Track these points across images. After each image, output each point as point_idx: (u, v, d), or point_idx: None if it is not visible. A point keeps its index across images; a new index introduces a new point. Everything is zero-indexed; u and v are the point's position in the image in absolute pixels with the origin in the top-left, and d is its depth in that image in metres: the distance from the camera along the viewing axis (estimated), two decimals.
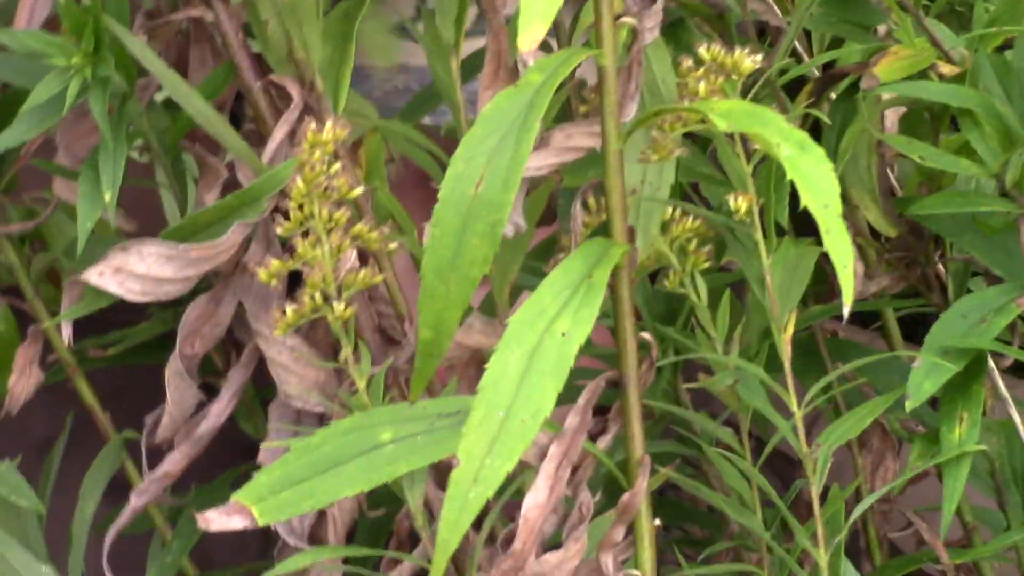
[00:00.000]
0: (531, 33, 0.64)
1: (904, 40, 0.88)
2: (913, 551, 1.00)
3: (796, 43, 0.98)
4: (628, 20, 0.78)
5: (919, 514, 0.97)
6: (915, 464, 0.89)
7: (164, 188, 0.94)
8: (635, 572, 0.78)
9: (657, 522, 0.78)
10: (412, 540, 0.85)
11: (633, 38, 0.78)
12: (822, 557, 0.84)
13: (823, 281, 0.92)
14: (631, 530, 0.78)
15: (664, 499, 0.84)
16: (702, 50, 0.80)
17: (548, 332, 0.69)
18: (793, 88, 0.95)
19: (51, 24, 0.88)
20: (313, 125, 0.80)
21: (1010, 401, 0.97)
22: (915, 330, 0.98)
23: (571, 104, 0.89)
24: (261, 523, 0.73)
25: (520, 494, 0.76)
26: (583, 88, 0.87)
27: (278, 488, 0.74)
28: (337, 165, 0.79)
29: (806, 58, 0.96)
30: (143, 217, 0.94)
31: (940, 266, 0.96)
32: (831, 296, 0.95)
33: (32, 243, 0.96)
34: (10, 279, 0.95)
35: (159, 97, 0.92)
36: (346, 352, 0.81)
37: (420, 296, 0.70)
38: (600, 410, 0.79)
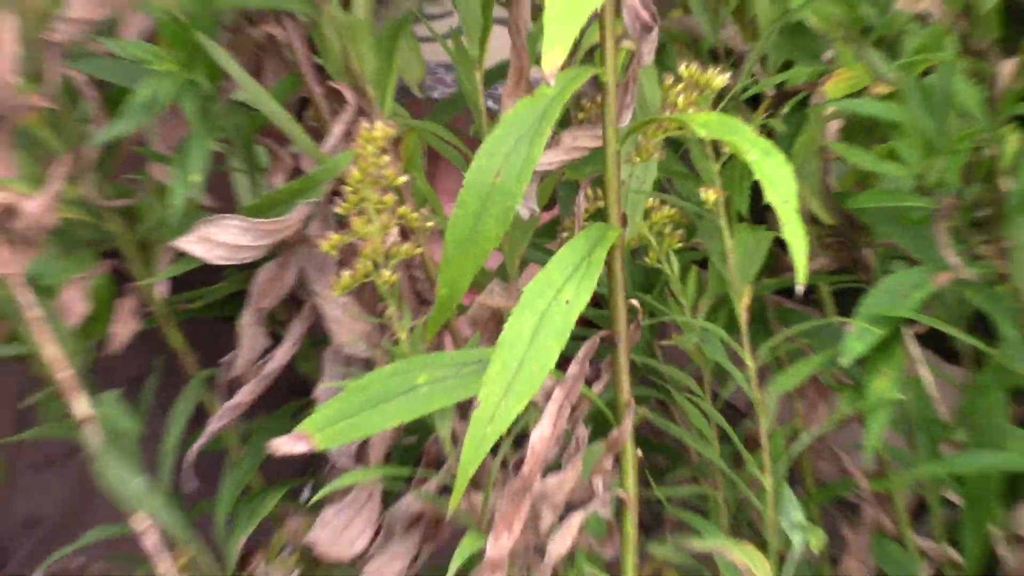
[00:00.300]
0: (553, 57, 0.64)
1: (846, 65, 0.88)
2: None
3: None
4: (628, 44, 0.78)
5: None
6: (844, 409, 0.89)
7: (237, 173, 0.93)
8: (621, 491, 0.79)
9: (639, 453, 0.79)
10: (438, 462, 0.85)
11: (631, 59, 0.78)
12: (768, 482, 0.85)
13: (772, 260, 0.92)
14: (618, 459, 0.79)
15: (637, 434, 0.84)
16: (682, 69, 0.80)
17: (555, 300, 0.70)
18: (752, 102, 0.95)
19: (150, 37, 0.88)
20: (366, 124, 0.80)
21: (922, 361, 0.98)
22: (841, 303, 0.99)
23: (569, 110, 0.89)
24: (320, 448, 0.74)
25: (528, 428, 0.76)
26: (581, 98, 0.86)
27: (334, 420, 0.74)
28: (386, 157, 0.80)
29: (763, 78, 0.95)
30: (214, 196, 0.94)
31: (868, 249, 0.96)
32: (778, 272, 0.95)
33: (125, 217, 0.96)
34: (110, 245, 0.94)
35: (238, 97, 0.91)
36: (391, 310, 0.82)
37: (441, 262, 0.71)
38: (592, 361, 0.79)
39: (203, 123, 0.88)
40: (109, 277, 0.93)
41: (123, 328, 0.93)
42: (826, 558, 0.95)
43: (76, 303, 0.90)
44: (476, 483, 0.80)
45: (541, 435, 0.75)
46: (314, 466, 0.98)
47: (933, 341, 0.99)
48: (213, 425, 0.92)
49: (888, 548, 0.97)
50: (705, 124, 0.73)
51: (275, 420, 0.94)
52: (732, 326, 0.85)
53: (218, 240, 0.86)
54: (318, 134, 0.90)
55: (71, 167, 0.90)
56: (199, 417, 0.94)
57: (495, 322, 0.87)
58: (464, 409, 0.80)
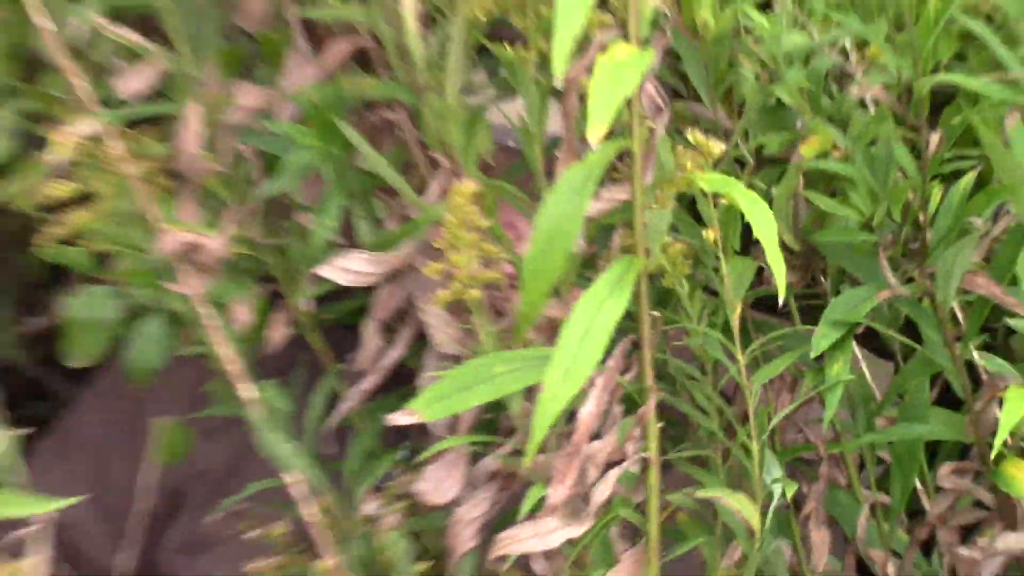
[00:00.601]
0: (596, 131, 0.64)
1: (814, 134, 0.88)
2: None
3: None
4: (649, 123, 0.77)
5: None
6: (808, 389, 0.88)
7: (360, 219, 0.92)
8: (646, 454, 0.78)
9: (661, 425, 0.79)
10: (510, 432, 0.85)
11: (651, 133, 0.78)
12: (755, 448, 0.84)
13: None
14: (644, 429, 0.78)
15: (657, 411, 0.83)
16: (690, 136, 0.79)
17: (598, 312, 0.69)
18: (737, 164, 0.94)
19: (298, 119, 0.89)
20: (457, 182, 0.79)
21: (860, 357, 0.97)
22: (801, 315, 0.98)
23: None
24: (426, 420, 0.74)
25: (577, 407, 0.76)
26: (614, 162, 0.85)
27: (435, 400, 0.74)
28: (472, 207, 0.79)
29: (744, 146, 0.94)
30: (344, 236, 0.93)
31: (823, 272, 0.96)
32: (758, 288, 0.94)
33: (278, 251, 0.95)
34: (267, 272, 0.94)
35: (362, 164, 0.90)
36: (476, 319, 0.82)
37: (521, 288, 0.70)
38: (624, 357, 0.79)
39: (337, 183, 0.88)
40: (266, 296, 0.93)
41: (277, 333, 0.93)
42: (792, 505, 0.94)
43: (242, 314, 0.90)
44: (540, 448, 0.80)
45: (588, 411, 0.76)
46: (408, 435, 0.97)
47: (869, 341, 0.98)
48: (344, 405, 0.92)
49: (838, 497, 0.96)
50: (708, 181, 0.73)
51: (389, 401, 0.93)
52: (727, 331, 0.84)
53: (348, 268, 0.86)
54: (420, 190, 0.89)
55: (239, 215, 0.90)
56: (333, 399, 0.94)
57: (553, 328, 0.86)
58: (531, 392, 0.80)
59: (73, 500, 0.66)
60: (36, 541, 0.69)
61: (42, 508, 0.64)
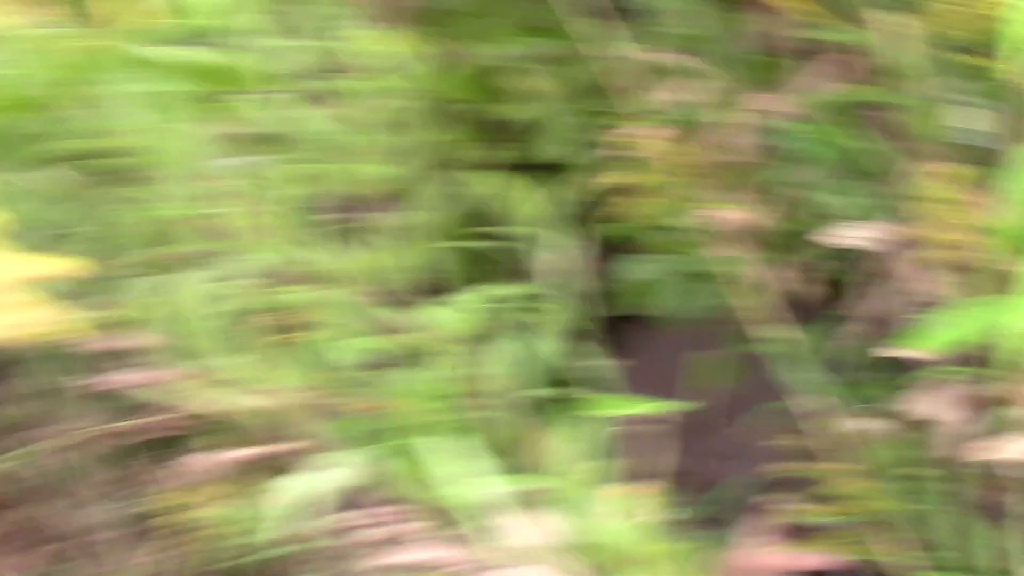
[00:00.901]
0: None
1: None
2: None
3: None
4: None
5: None
6: None
7: (848, 196, 1.10)
8: None
9: None
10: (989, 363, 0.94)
11: None
12: None
13: None
14: None
15: None
16: None
17: None
18: None
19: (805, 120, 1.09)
20: (933, 167, 0.97)
21: None
22: None
23: None
24: (921, 353, 0.92)
25: None
26: None
27: (929, 336, 0.91)
28: (947, 186, 0.96)
29: None
30: None
31: None
32: None
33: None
34: (775, 238, 1.12)
35: None
36: (952, 275, 0.98)
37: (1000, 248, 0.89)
38: None
39: (834, 169, 1.07)
40: (773, 258, 1.11)
41: (786, 287, 1.11)
42: None
43: (758, 273, 1.09)
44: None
45: None
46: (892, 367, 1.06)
47: None
48: (834, 343, 1.09)
49: None
50: None
51: (871, 340, 1.08)
52: None
53: (842, 235, 1.02)
54: (902, 174, 1.03)
55: (756, 195, 1.11)
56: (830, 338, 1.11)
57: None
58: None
59: (684, 404, 0.87)
60: (666, 433, 0.92)
61: (662, 408, 0.88)
